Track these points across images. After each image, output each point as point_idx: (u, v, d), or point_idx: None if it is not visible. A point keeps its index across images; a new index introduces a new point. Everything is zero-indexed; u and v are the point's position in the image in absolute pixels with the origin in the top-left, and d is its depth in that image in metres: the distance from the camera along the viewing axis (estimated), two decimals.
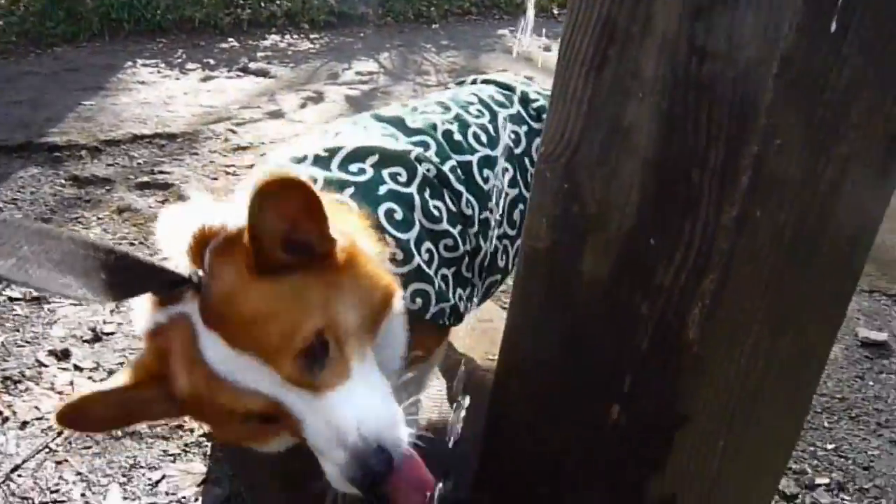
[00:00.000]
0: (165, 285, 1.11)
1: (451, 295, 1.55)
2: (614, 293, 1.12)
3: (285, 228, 1.10)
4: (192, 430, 2.08)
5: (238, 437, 1.25)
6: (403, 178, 1.54)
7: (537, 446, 1.33)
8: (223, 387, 1.10)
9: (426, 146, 1.64)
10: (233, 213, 1.16)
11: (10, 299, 2.66)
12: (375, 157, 1.54)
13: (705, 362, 1.06)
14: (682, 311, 1.04)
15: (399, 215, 1.47)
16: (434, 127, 1.71)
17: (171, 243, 1.19)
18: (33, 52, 5.90)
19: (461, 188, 1.63)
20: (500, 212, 1.72)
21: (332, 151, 1.54)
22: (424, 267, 1.48)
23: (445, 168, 1.61)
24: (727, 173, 0.95)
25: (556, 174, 1.18)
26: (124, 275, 1.04)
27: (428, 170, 1.58)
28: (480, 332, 2.15)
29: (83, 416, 1.13)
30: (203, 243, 1.14)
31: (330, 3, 7.91)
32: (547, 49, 6.68)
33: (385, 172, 1.53)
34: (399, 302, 1.30)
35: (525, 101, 1.93)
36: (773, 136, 0.91)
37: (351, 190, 1.45)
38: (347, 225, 1.29)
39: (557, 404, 1.26)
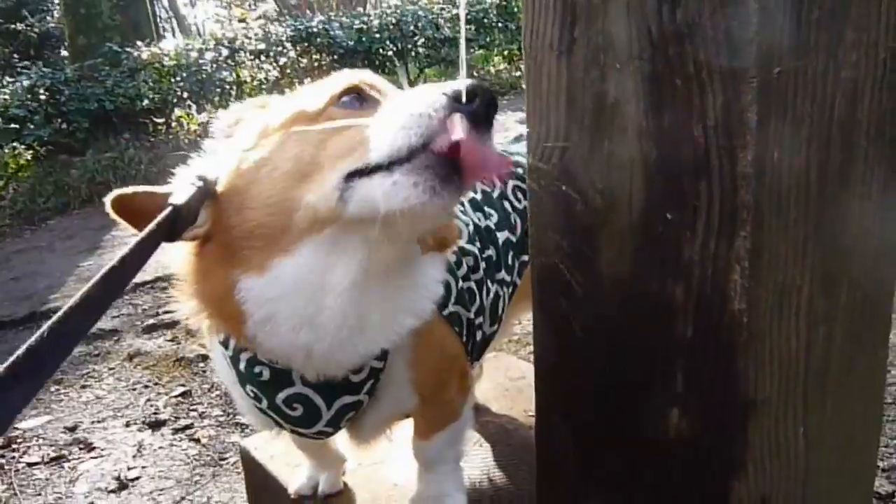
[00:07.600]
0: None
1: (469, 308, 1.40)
2: (642, 286, 1.01)
3: None
4: None
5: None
6: None
7: (597, 485, 1.18)
8: None
9: None
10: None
11: (29, 465, 2.54)
12: None
13: (760, 334, 0.94)
14: (720, 282, 0.93)
15: None
16: None
17: None
18: (28, 229, 5.97)
19: None
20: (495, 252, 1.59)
21: None
22: None
23: None
24: (731, 115, 0.86)
25: (551, 178, 1.10)
26: None
27: None
28: (516, 392, 2.01)
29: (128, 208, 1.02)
30: None
31: None
32: None
33: None
34: None
35: None
36: (771, 63, 0.83)
37: None
38: None
39: (610, 428, 1.13)
